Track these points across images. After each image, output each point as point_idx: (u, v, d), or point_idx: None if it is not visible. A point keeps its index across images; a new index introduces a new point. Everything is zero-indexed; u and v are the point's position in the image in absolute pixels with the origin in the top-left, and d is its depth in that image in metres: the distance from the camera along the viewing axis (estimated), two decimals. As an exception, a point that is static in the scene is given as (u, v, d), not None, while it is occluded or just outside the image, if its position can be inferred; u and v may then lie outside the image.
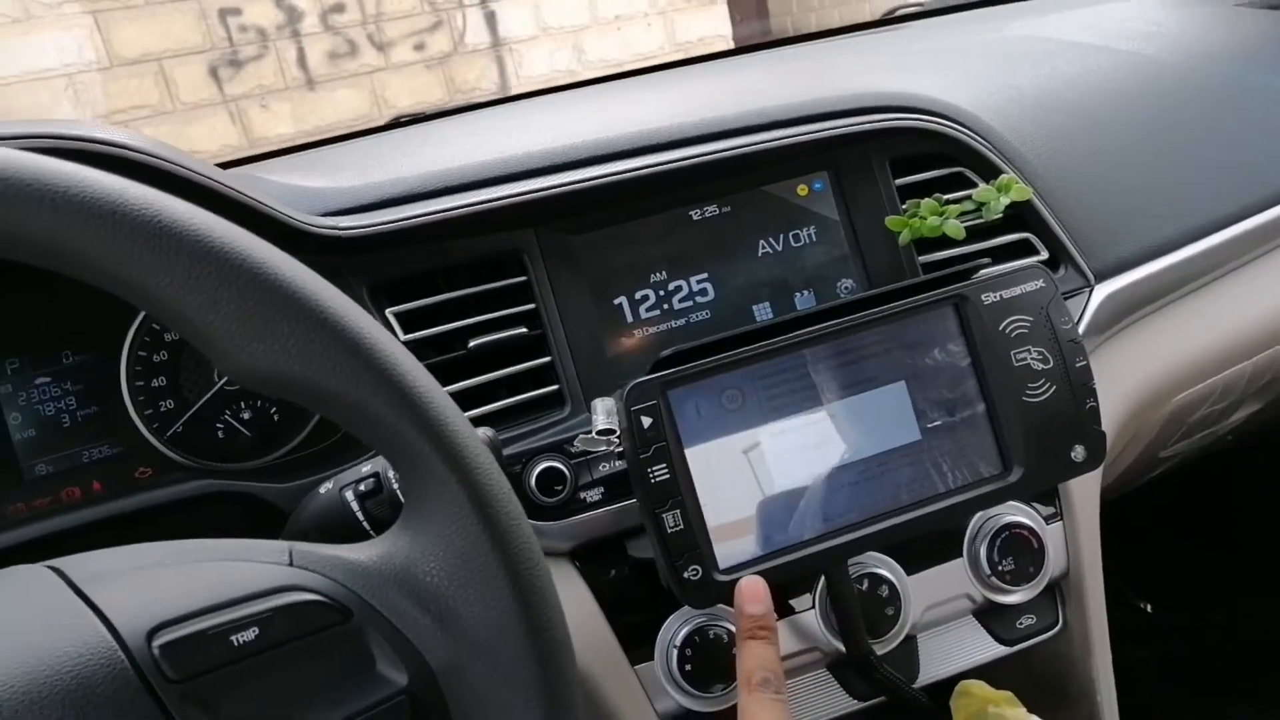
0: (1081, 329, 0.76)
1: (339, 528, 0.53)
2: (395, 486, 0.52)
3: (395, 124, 1.18)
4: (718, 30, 4.73)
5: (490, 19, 4.30)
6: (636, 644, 0.66)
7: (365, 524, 0.53)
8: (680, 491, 0.57)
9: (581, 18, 4.45)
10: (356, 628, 0.38)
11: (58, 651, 0.35)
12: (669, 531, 0.56)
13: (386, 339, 0.40)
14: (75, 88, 3.47)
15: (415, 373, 0.39)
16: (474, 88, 4.23)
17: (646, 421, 0.57)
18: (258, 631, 0.37)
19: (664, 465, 0.57)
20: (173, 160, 0.59)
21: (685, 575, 0.56)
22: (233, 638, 0.36)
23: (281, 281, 0.38)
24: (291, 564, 0.39)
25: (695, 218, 0.76)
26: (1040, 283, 0.63)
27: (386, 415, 0.38)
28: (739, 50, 1.43)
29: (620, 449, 0.59)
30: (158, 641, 0.35)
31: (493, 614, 0.39)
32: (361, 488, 0.53)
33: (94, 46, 3.51)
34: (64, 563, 0.39)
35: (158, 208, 0.37)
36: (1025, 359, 0.62)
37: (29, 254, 0.36)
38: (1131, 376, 0.78)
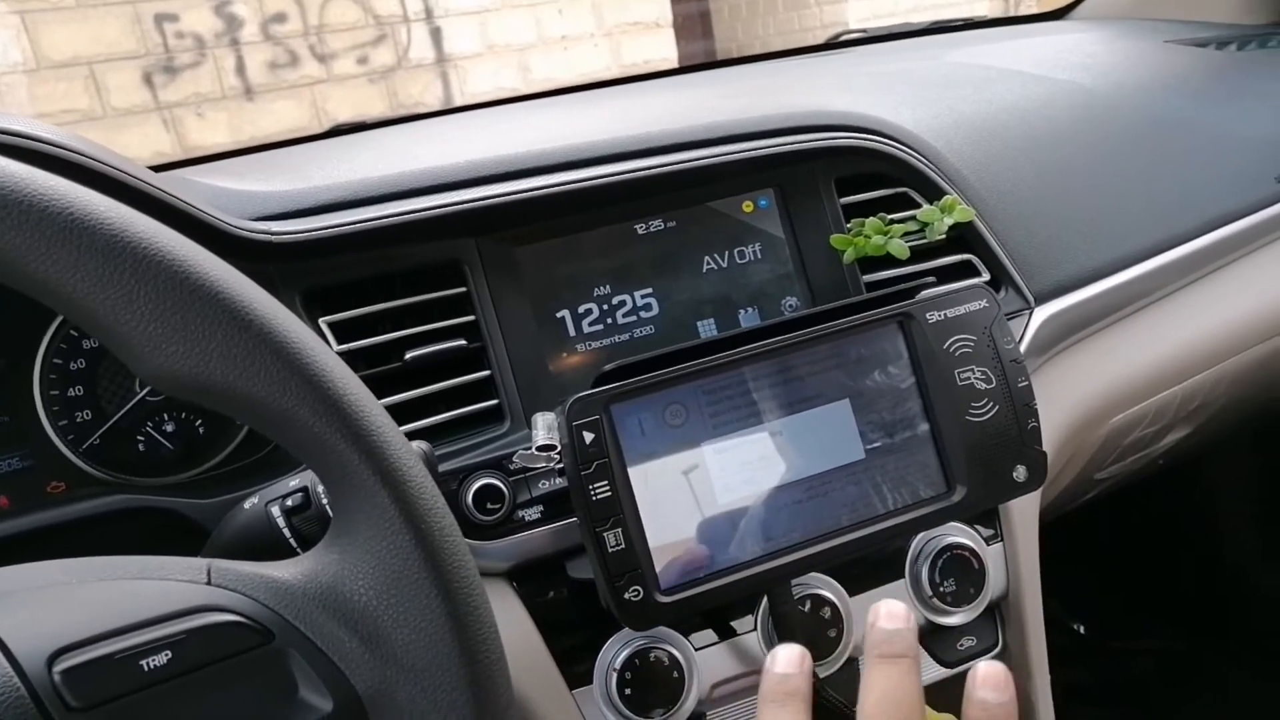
0: (1022, 350, 0.76)
1: (264, 545, 0.50)
2: (324, 501, 0.50)
3: (336, 132, 1.16)
4: (664, 53, 4.77)
5: (435, 35, 4.27)
6: (575, 667, 0.64)
7: (292, 541, 0.50)
8: (622, 510, 0.55)
9: (528, 36, 4.45)
10: (278, 650, 0.36)
11: None
12: (609, 551, 0.55)
13: (315, 343, 0.38)
14: (-1, 89, 3.36)
15: (346, 380, 0.38)
16: (417, 103, 4.20)
17: (588, 437, 0.55)
18: (170, 655, 0.34)
19: (605, 482, 0.55)
20: (94, 156, 0.56)
21: (626, 596, 0.55)
22: (142, 662, 0.34)
23: (203, 279, 0.36)
24: (209, 582, 0.37)
25: (640, 232, 0.75)
26: (984, 302, 0.63)
27: (314, 424, 0.36)
28: (685, 69, 1.44)
29: (561, 465, 0.58)
30: (59, 667, 0.33)
31: (424, 636, 0.37)
32: (288, 502, 0.50)
33: (20, 48, 3.40)
34: None
35: (70, 199, 0.34)
36: (969, 378, 0.62)
37: None
38: (1070, 398, 0.78)
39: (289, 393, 0.36)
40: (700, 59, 5.18)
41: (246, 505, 0.52)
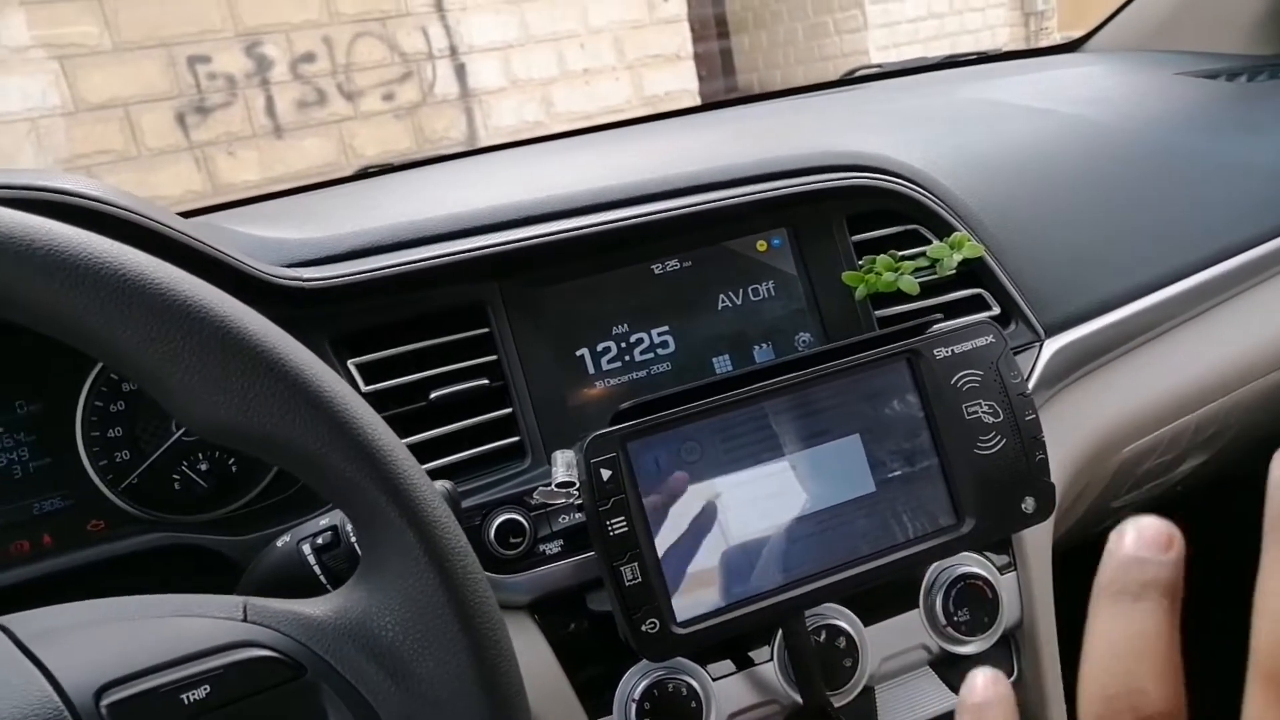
0: (1032, 383, 0.77)
1: (296, 582, 0.52)
2: (353, 540, 0.52)
3: (362, 174, 1.20)
4: (685, 85, 4.83)
5: (460, 71, 4.35)
6: (595, 698, 0.66)
7: (322, 578, 0.52)
8: (638, 544, 0.57)
9: (550, 71, 4.52)
10: (310, 684, 0.38)
11: (1, 713, 0.34)
12: (626, 585, 0.56)
13: (347, 392, 0.40)
14: (38, 132, 3.46)
15: (375, 427, 0.40)
16: (442, 138, 4.27)
17: (606, 474, 0.57)
18: (209, 689, 0.36)
19: (622, 518, 0.57)
20: (131, 209, 0.59)
21: (643, 629, 0.57)
22: (183, 696, 0.36)
23: (244, 335, 0.38)
24: (245, 619, 0.39)
25: (657, 272, 0.77)
26: (990, 338, 0.65)
27: (345, 469, 0.39)
28: (704, 107, 1.47)
29: (579, 502, 0.60)
30: (105, 701, 0.35)
31: (448, 669, 0.39)
32: (319, 541, 0.53)
33: (59, 92, 3.50)
34: (10, 620, 0.39)
35: (120, 261, 0.37)
36: (976, 412, 0.63)
37: None
38: (1081, 429, 0.79)
39: (321, 439, 0.38)
40: (721, 91, 5.23)
41: (279, 544, 0.55)
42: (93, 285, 0.36)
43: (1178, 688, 0.25)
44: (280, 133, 3.95)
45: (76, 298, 0.36)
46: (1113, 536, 0.28)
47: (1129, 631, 0.26)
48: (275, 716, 0.37)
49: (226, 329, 0.37)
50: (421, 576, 0.39)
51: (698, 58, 4.96)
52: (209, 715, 0.36)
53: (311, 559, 0.52)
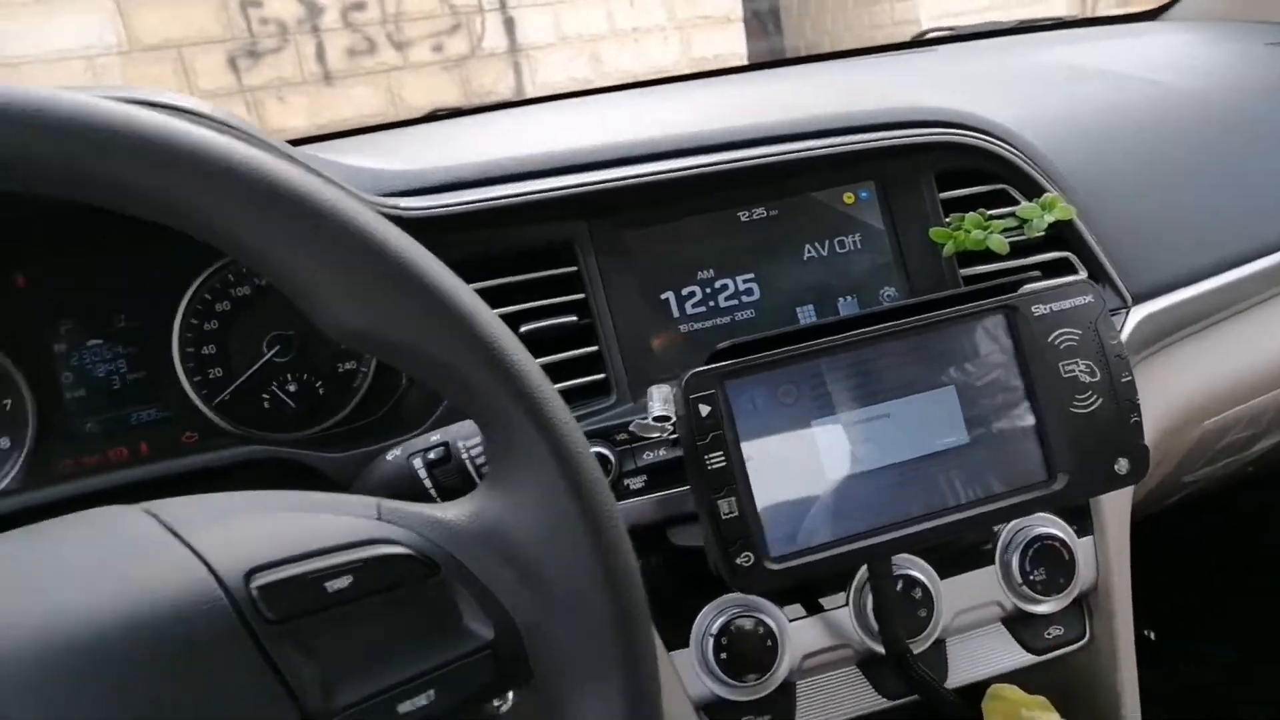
0: (1118, 348, 0.77)
1: (404, 495, 0.53)
2: (464, 457, 0.53)
3: (433, 116, 1.20)
4: (734, 48, 4.77)
5: (509, 25, 4.33)
6: (672, 631, 0.67)
7: (432, 491, 0.53)
8: (735, 479, 0.58)
9: (599, 28, 4.48)
10: (444, 582, 0.39)
11: (158, 587, 0.35)
12: (723, 518, 0.57)
13: (487, 312, 0.41)
14: (94, 70, 3.48)
15: (513, 345, 0.41)
16: (490, 91, 4.26)
17: (705, 410, 0.58)
18: (351, 580, 0.37)
19: (720, 453, 0.58)
20: (250, 133, 0.60)
21: (738, 561, 0.57)
22: (327, 584, 0.37)
23: (391, 246, 0.39)
24: (379, 518, 0.40)
25: (743, 219, 0.77)
26: (1089, 298, 0.64)
27: (485, 383, 0.40)
28: (771, 64, 1.45)
29: (674, 436, 0.60)
30: (255, 583, 0.36)
31: (577, 575, 0.39)
32: (430, 456, 0.54)
33: (115, 30, 3.52)
34: (154, 506, 0.40)
35: (271, 169, 0.38)
36: (1073, 371, 0.63)
37: (138, 209, 0.37)
38: (1164, 399, 0.79)
39: (462, 355, 0.39)
40: (768, 54, 5.17)
41: (389, 457, 0.56)
42: (246, 190, 0.36)
43: None
44: (330, 80, 3.95)
45: (228, 203, 0.36)
46: None
47: None
48: (410, 611, 0.38)
49: (374, 238, 0.38)
50: (554, 485, 0.40)
51: (746, 21, 4.89)
52: (350, 605, 0.37)
53: (423, 472, 0.53)
